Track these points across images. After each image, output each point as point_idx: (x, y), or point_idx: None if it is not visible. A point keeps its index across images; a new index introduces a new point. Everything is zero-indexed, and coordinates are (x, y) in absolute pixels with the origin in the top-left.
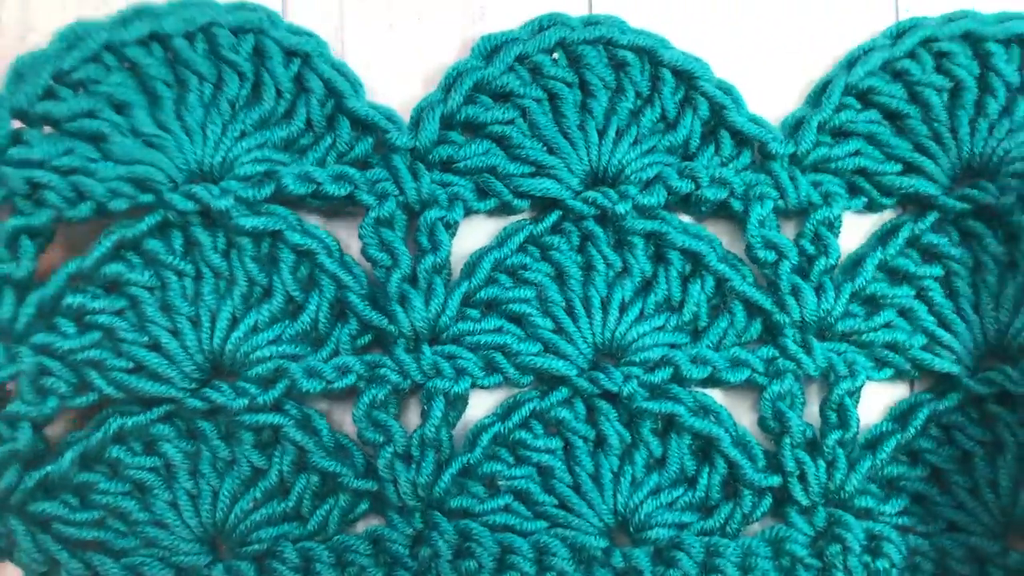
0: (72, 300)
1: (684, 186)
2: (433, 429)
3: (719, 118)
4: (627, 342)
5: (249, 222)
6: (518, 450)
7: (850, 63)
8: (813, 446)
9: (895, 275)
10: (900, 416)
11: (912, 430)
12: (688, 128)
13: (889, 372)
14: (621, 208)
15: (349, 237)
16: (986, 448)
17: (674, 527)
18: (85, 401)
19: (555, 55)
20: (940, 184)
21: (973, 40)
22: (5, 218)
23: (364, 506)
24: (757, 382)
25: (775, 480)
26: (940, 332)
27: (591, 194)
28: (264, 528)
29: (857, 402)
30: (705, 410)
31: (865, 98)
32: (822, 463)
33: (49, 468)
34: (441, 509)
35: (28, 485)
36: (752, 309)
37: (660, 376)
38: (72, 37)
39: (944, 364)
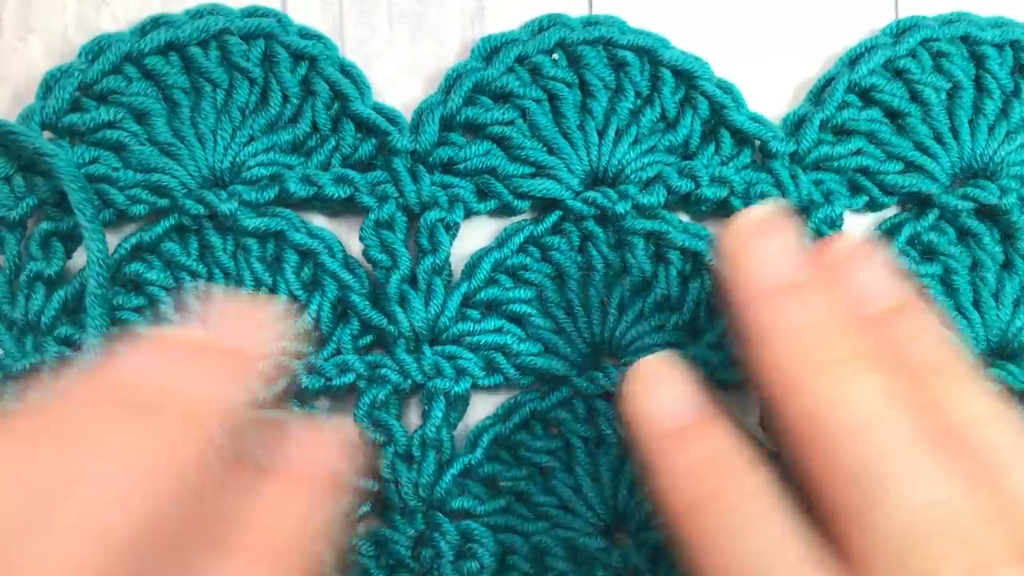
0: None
1: (684, 185)
2: (434, 429)
3: (719, 117)
4: (627, 342)
5: (253, 223)
6: (519, 451)
7: (852, 60)
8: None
9: None
10: None
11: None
12: (688, 127)
13: None
14: (621, 208)
15: (353, 237)
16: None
17: None
18: None
19: (555, 56)
20: (941, 183)
21: (970, 43)
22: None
23: (365, 507)
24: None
25: None
26: None
27: (591, 194)
28: None
29: None
30: None
31: (867, 96)
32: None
33: None
34: (442, 510)
35: None
36: None
37: None
38: (95, 50)
39: None
